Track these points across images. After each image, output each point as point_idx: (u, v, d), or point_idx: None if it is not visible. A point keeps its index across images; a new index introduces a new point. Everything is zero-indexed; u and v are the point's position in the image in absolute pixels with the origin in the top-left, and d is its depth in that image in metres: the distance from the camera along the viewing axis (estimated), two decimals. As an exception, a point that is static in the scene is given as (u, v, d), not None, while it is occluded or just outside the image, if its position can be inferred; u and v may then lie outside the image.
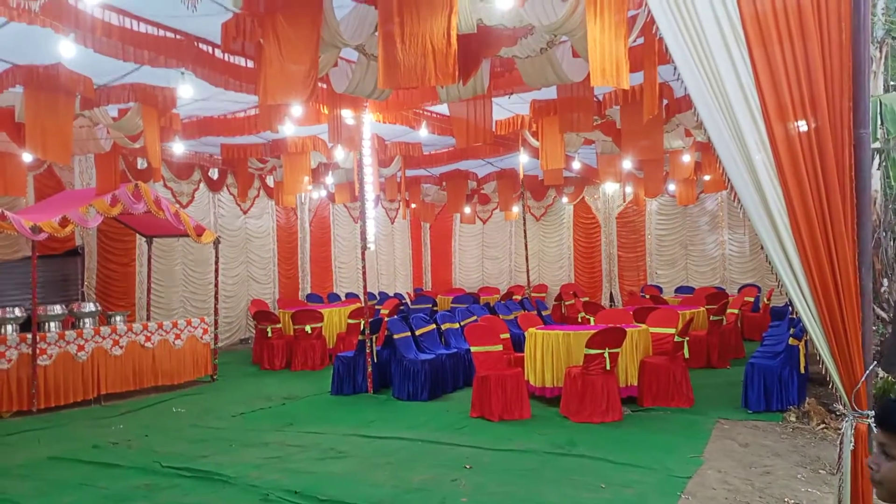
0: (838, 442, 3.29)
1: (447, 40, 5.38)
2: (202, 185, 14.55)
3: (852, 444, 3.25)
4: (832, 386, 3.38)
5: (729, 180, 3.37)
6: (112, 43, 6.70)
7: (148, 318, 12.04)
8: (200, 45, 7.47)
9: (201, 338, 11.12)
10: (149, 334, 10.38)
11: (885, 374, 7.75)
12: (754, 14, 3.31)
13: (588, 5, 5.53)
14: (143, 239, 12.54)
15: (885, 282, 10.29)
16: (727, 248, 17.03)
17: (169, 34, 7.23)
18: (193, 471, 6.48)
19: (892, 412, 2.36)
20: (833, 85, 3.27)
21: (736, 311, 11.98)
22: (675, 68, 3.45)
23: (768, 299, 13.75)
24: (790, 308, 12.14)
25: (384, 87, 5.85)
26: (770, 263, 3.35)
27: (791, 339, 8.23)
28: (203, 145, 12.89)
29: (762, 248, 3.39)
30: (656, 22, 3.40)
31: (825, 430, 7.26)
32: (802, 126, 3.28)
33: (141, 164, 12.68)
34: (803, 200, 3.27)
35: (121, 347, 9.94)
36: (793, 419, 7.65)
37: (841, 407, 3.32)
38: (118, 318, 10.30)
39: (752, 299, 13.95)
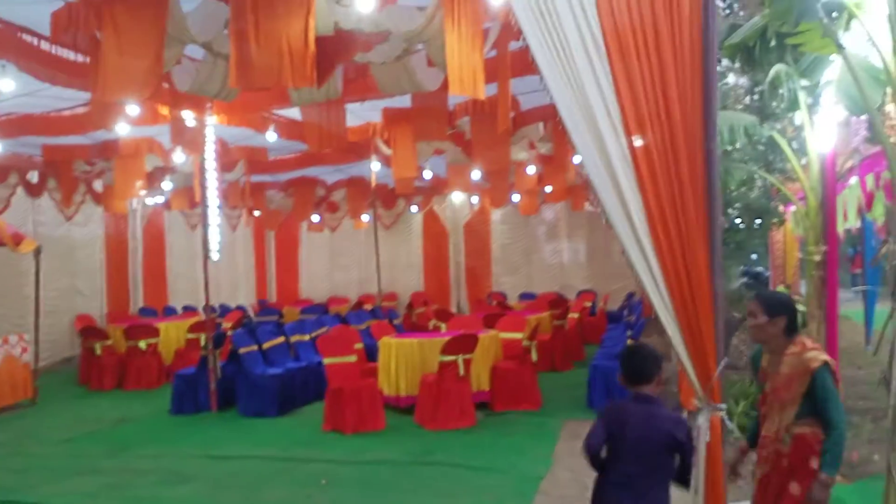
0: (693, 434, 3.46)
1: (305, 41, 5.21)
2: (19, 189, 13.18)
3: (708, 435, 3.43)
4: (672, 386, 3.57)
5: (594, 190, 3.46)
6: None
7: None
8: (23, 35, 6.76)
9: (20, 357, 10.05)
10: (-43, 355, 9.25)
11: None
12: (614, 27, 3.42)
13: (446, 15, 5.56)
14: (-52, 248, 11.17)
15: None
16: (566, 255, 17.86)
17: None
18: (18, 504, 5.84)
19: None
20: (686, 99, 3.44)
21: (577, 316, 12.55)
22: (541, 78, 3.50)
23: (604, 304, 14.53)
24: (624, 312, 12.80)
25: (236, 86, 5.57)
26: (632, 268, 3.48)
27: (629, 340, 8.71)
28: (21, 146, 11.69)
29: (623, 252, 3.51)
30: (524, 33, 3.43)
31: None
32: (659, 138, 3.43)
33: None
34: (661, 210, 3.42)
35: (-79, 371, 8.78)
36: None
37: (696, 402, 3.51)
38: (-82, 338, 9.10)
39: (589, 304, 14.68)
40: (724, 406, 3.46)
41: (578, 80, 3.44)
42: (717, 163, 3.50)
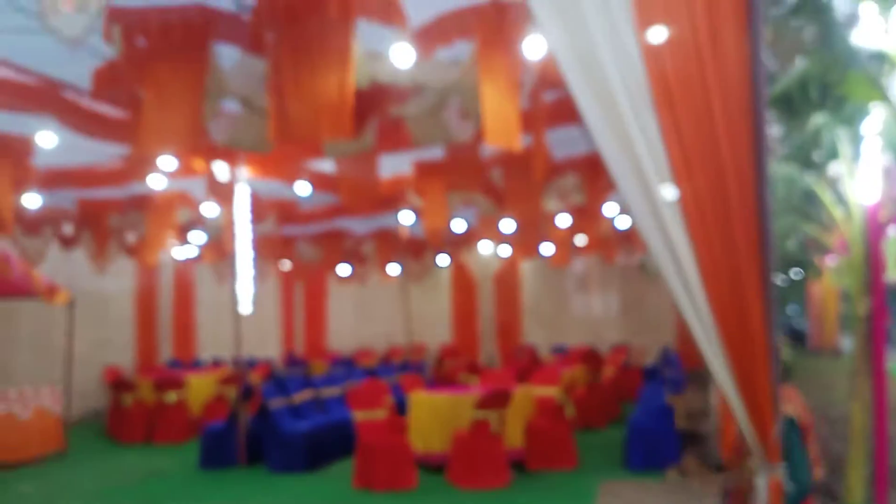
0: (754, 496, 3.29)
1: (342, 95, 5.25)
2: (54, 241, 13.36)
3: (766, 498, 3.26)
4: (713, 444, 3.41)
5: (643, 239, 3.39)
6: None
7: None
8: (65, 92, 6.91)
9: (50, 408, 10.02)
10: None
11: None
12: (660, 76, 3.38)
13: (482, 67, 5.59)
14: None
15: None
16: (597, 308, 17.62)
17: (29, 79, 6.64)
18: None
19: None
20: (735, 148, 3.38)
21: (612, 371, 12.28)
22: (586, 127, 3.45)
23: (638, 359, 14.22)
24: (660, 369, 12.48)
25: (275, 140, 5.61)
26: (684, 319, 3.36)
27: (669, 397, 8.48)
28: (56, 198, 11.89)
29: (677, 303, 3.39)
30: (568, 83, 3.39)
31: (704, 485, 7.45)
32: (708, 187, 3.36)
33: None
34: (713, 260, 3.33)
35: (-47, 422, 8.78)
36: (674, 477, 7.81)
37: (752, 461, 3.35)
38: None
39: (622, 359, 14.39)
40: (782, 466, 3.29)
41: (624, 129, 3.39)
42: (769, 212, 3.41)
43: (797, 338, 16.74)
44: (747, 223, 3.33)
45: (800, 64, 5.68)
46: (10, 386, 11.25)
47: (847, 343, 13.12)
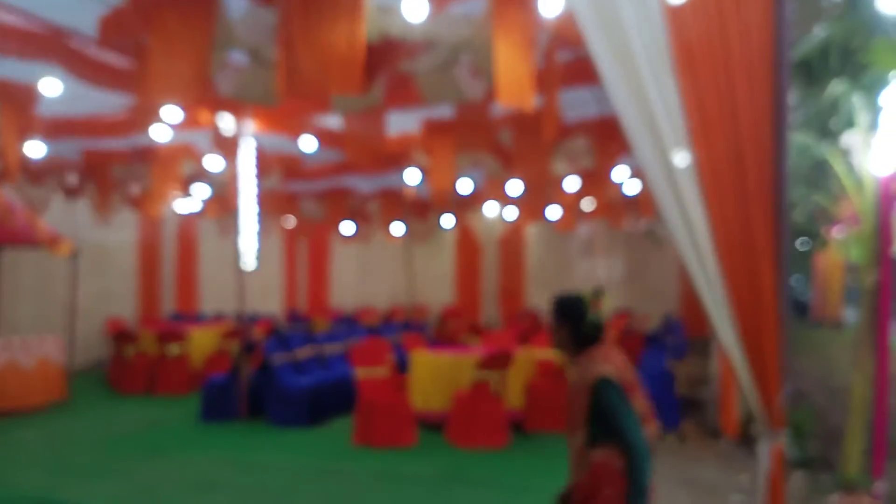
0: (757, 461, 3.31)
1: (353, 49, 5.15)
2: (58, 191, 13.30)
3: (768, 465, 3.27)
4: (712, 411, 3.41)
5: (657, 203, 3.34)
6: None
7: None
8: (70, 40, 6.78)
9: (53, 357, 10.08)
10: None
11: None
12: (681, 39, 3.31)
13: (497, 24, 5.47)
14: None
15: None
16: (601, 274, 17.58)
17: (35, 26, 6.52)
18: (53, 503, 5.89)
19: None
20: (755, 114, 3.32)
21: (614, 336, 12.29)
22: (604, 88, 3.38)
23: (641, 325, 14.24)
24: (662, 335, 12.48)
25: (282, 94, 5.52)
26: (694, 285, 3.33)
27: (670, 363, 8.49)
28: (61, 148, 11.80)
29: (688, 269, 3.35)
30: (588, 42, 3.30)
31: (702, 451, 7.52)
32: (725, 153, 3.30)
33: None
34: (726, 226, 3.29)
35: (-43, 369, 8.84)
36: (672, 442, 7.87)
37: (756, 428, 3.35)
38: (-45, 336, 9.18)
39: (624, 324, 14.41)
40: (785, 433, 3.29)
41: (642, 91, 3.31)
42: (786, 181, 3.35)
43: (800, 309, 16.71)
44: (763, 192, 3.29)
45: (819, 31, 5.56)
46: (15, 335, 11.34)
47: (850, 315, 13.14)
